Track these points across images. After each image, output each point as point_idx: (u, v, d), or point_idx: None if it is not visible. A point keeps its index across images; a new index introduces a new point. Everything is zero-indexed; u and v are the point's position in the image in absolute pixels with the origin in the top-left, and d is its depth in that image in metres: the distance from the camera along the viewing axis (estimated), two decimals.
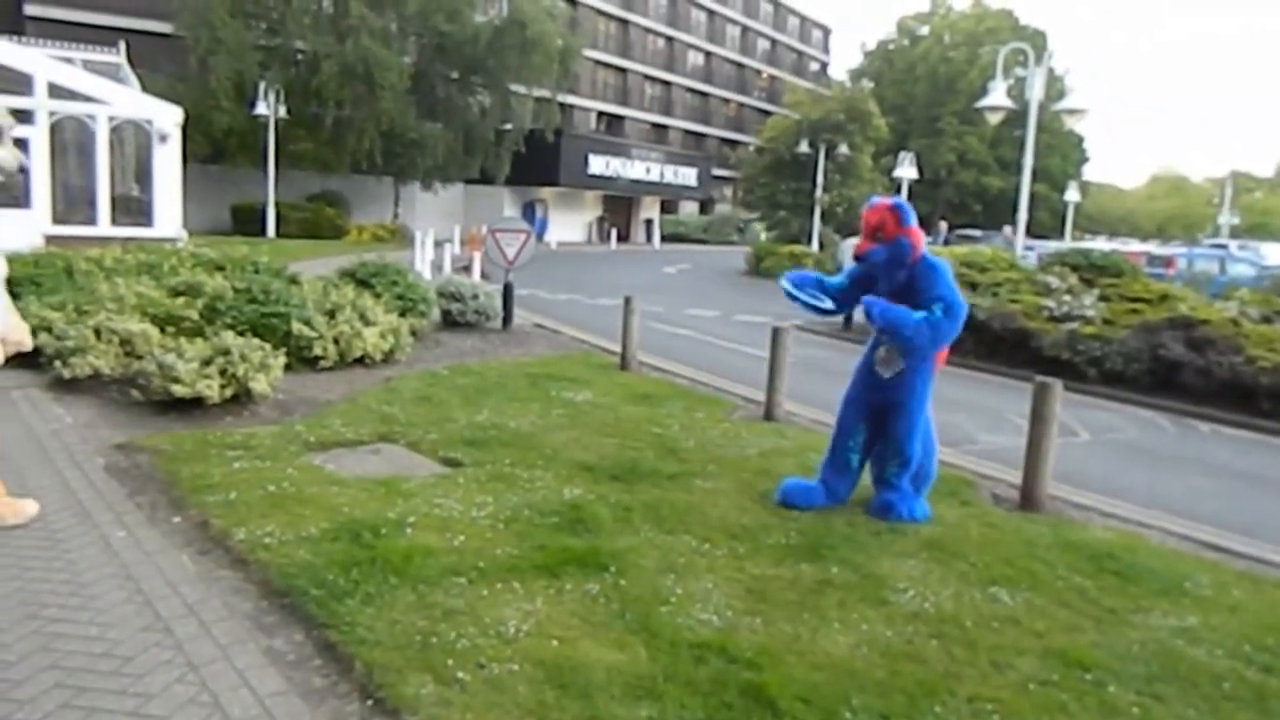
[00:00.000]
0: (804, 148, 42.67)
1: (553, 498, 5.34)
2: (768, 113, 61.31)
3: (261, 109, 29.16)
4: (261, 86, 29.16)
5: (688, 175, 50.86)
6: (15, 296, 7.29)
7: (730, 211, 57.54)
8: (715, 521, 5.15)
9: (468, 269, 20.11)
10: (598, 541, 4.67)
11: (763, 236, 47.25)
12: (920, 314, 5.23)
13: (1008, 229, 43.20)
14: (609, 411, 7.85)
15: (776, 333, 8.38)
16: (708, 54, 63.94)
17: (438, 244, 22.82)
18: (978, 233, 44.55)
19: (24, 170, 4.66)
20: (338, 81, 30.19)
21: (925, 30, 68.36)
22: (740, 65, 67.42)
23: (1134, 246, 35.26)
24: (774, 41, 70.69)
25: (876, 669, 3.58)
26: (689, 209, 56.52)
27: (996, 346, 12.89)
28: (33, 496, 4.77)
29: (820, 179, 42.93)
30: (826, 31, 78.38)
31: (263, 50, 30.48)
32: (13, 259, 5.20)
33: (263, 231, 29.55)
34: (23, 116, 15.87)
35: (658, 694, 3.28)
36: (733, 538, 4.92)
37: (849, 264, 5.92)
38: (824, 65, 77.07)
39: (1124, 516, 6.10)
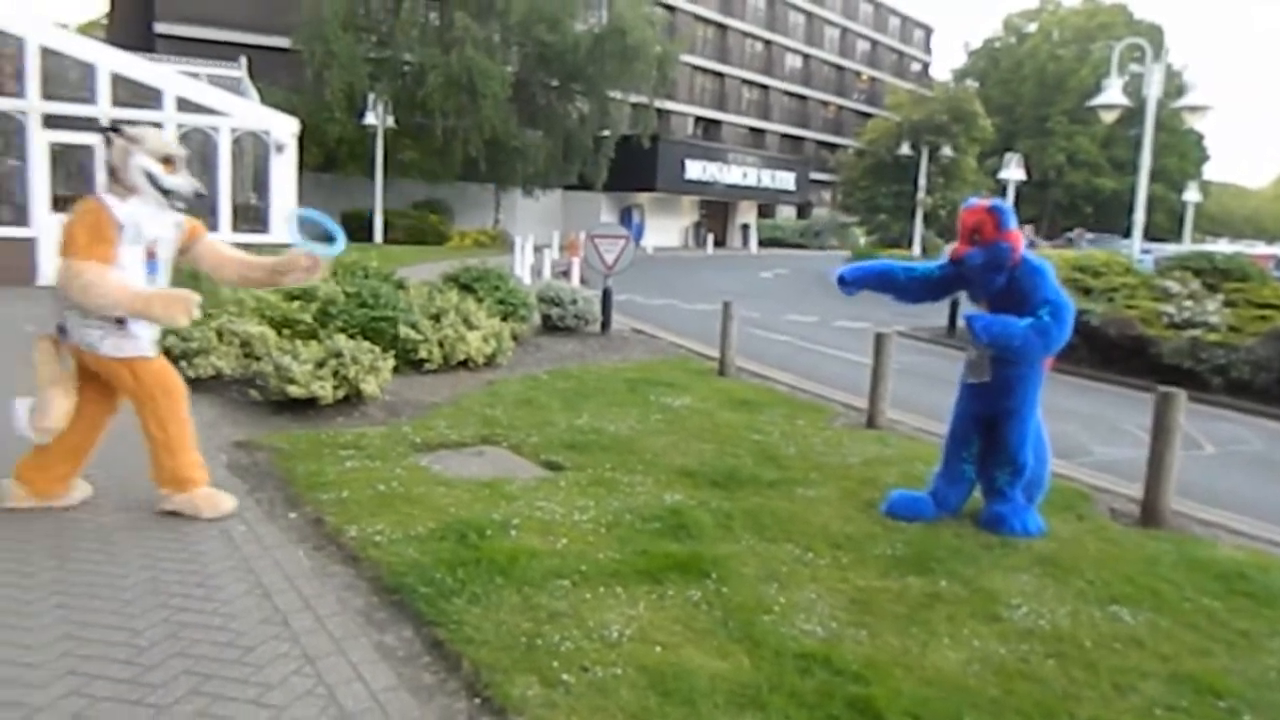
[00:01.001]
0: (905, 150, 41.85)
1: (653, 503, 5.34)
2: (868, 115, 60.31)
3: (370, 119, 30.16)
4: (371, 98, 30.16)
5: (785, 179, 50.29)
6: None
7: (827, 215, 56.48)
8: (818, 530, 5.07)
9: (566, 274, 20.34)
10: (699, 548, 4.65)
11: (861, 240, 46.47)
12: (1026, 321, 5.06)
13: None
14: (707, 417, 7.82)
15: (880, 339, 8.22)
16: (806, 56, 63.23)
17: (537, 249, 23.17)
18: (1072, 234, 42.96)
19: (200, 195, 4.85)
20: (443, 92, 30.96)
21: (1033, 27, 66.36)
22: (839, 67, 66.45)
23: (1261, 249, 33.38)
24: (874, 42, 69.45)
25: (989, 687, 3.46)
26: (786, 213, 55.88)
27: (1111, 354, 12.36)
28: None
29: (922, 181, 42.04)
30: (928, 31, 76.65)
31: (372, 62, 31.52)
32: None
33: (370, 238, 30.51)
34: None
35: (762, 703, 3.24)
36: (836, 547, 4.83)
37: None
38: (925, 66, 75.41)
39: (1255, 534, 5.77)
